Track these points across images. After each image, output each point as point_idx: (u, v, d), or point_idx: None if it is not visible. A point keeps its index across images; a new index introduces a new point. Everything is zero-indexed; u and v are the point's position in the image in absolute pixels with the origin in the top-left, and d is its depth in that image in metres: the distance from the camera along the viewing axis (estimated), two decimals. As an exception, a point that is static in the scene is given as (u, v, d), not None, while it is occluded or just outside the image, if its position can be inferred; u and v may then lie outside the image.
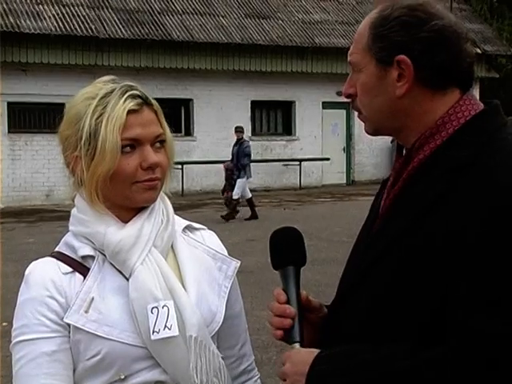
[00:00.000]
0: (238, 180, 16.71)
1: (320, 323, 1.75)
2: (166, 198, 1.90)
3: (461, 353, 1.44)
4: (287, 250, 1.76)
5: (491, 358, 1.42)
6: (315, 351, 1.61)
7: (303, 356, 1.62)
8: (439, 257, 1.50)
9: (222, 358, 1.84)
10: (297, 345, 1.67)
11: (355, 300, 1.64)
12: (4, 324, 7.26)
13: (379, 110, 1.66)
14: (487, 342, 1.42)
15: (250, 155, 17.10)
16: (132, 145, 1.77)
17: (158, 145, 1.81)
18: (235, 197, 16.46)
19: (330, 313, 1.74)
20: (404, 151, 1.70)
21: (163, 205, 1.87)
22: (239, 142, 17.11)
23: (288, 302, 1.70)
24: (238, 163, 16.82)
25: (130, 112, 1.76)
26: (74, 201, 1.86)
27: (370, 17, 1.68)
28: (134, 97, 1.78)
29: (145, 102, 1.80)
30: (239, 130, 17.37)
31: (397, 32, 1.61)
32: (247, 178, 16.97)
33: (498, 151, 1.54)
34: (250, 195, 16.78)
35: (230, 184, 16.88)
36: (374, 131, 1.72)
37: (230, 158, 17.58)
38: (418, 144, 1.64)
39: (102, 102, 1.77)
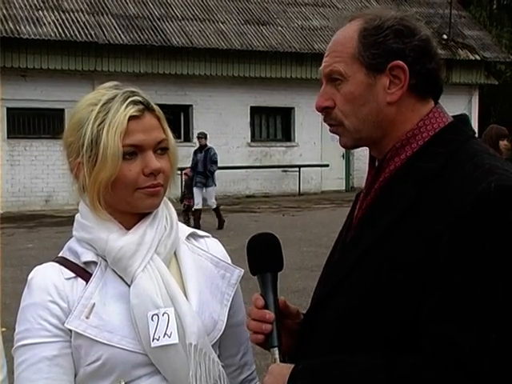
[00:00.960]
0: (209, 189, 16.23)
1: (296, 329, 1.77)
2: (169, 204, 1.90)
3: (436, 361, 1.44)
4: (265, 257, 1.77)
5: (464, 364, 1.42)
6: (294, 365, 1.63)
7: (282, 369, 1.63)
8: (410, 266, 1.51)
9: (223, 366, 1.84)
10: (275, 349, 1.69)
11: (329, 310, 1.65)
12: (3, 330, 7.25)
13: (365, 119, 1.67)
14: (458, 351, 1.42)
15: (217, 162, 16.45)
16: (134, 151, 1.77)
17: (160, 151, 1.81)
18: (213, 206, 16.13)
19: (306, 321, 1.75)
20: (376, 163, 1.72)
21: (167, 211, 1.87)
22: (204, 149, 16.39)
23: (266, 306, 1.72)
24: (206, 170, 16.19)
25: (131, 118, 1.76)
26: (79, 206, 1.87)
27: (354, 26, 1.68)
28: (135, 103, 1.78)
29: (146, 107, 1.80)
30: (202, 136, 16.60)
31: (393, 39, 1.65)
32: (215, 186, 16.57)
33: (466, 162, 1.57)
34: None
35: (191, 192, 16.29)
36: (354, 142, 1.71)
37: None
38: (389, 155, 1.66)
39: (103, 108, 1.77)
